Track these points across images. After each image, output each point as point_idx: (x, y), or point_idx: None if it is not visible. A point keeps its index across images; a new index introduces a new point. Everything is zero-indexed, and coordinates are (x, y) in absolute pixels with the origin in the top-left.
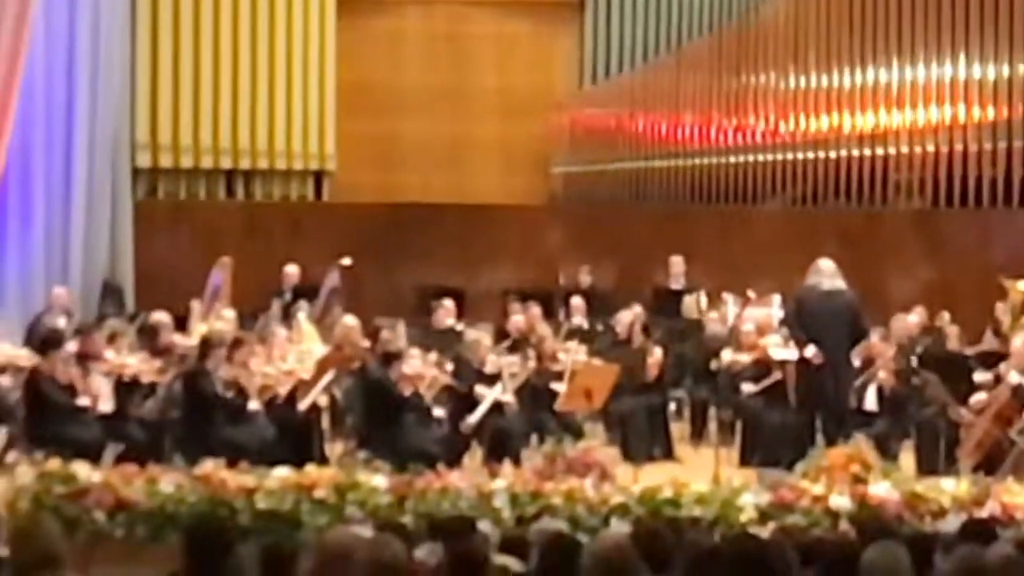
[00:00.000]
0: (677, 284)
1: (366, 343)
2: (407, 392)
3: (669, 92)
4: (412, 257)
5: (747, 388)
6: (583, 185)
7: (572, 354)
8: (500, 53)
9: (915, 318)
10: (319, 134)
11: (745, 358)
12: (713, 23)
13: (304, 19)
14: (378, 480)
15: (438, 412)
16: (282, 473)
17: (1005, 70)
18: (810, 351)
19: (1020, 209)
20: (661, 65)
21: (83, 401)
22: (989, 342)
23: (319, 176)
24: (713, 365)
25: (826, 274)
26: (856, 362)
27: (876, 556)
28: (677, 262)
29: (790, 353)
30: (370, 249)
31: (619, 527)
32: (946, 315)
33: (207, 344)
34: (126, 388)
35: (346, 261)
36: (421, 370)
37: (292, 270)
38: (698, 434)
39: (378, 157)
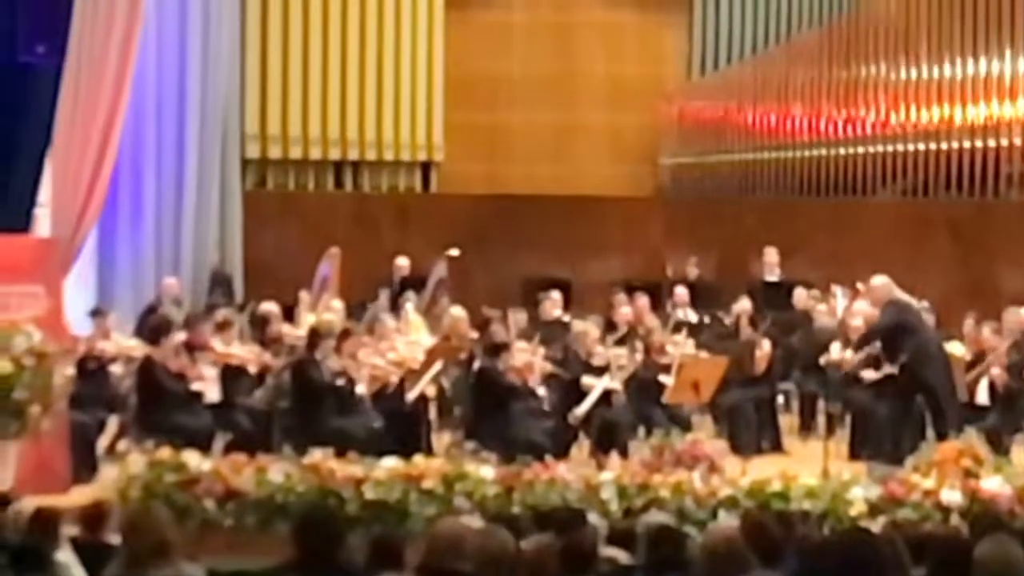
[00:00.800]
0: (772, 275)
1: (474, 334)
2: (515, 383)
3: (778, 84)
4: (519, 248)
5: (868, 375)
6: (691, 177)
7: (680, 347)
8: (607, 43)
9: None
10: (427, 125)
11: (852, 355)
12: (823, 15)
13: (412, 11)
14: (486, 471)
15: (543, 395)
16: (390, 463)
17: None
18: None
19: None
20: (770, 57)
21: (196, 387)
22: None
23: (427, 167)
24: (822, 360)
25: (896, 288)
26: (968, 356)
27: (989, 551)
28: (771, 252)
29: None
30: (477, 240)
31: (728, 520)
32: None
33: (316, 334)
34: (234, 377)
35: (453, 252)
36: (529, 361)
37: (403, 262)
38: (807, 427)
39: (485, 148)
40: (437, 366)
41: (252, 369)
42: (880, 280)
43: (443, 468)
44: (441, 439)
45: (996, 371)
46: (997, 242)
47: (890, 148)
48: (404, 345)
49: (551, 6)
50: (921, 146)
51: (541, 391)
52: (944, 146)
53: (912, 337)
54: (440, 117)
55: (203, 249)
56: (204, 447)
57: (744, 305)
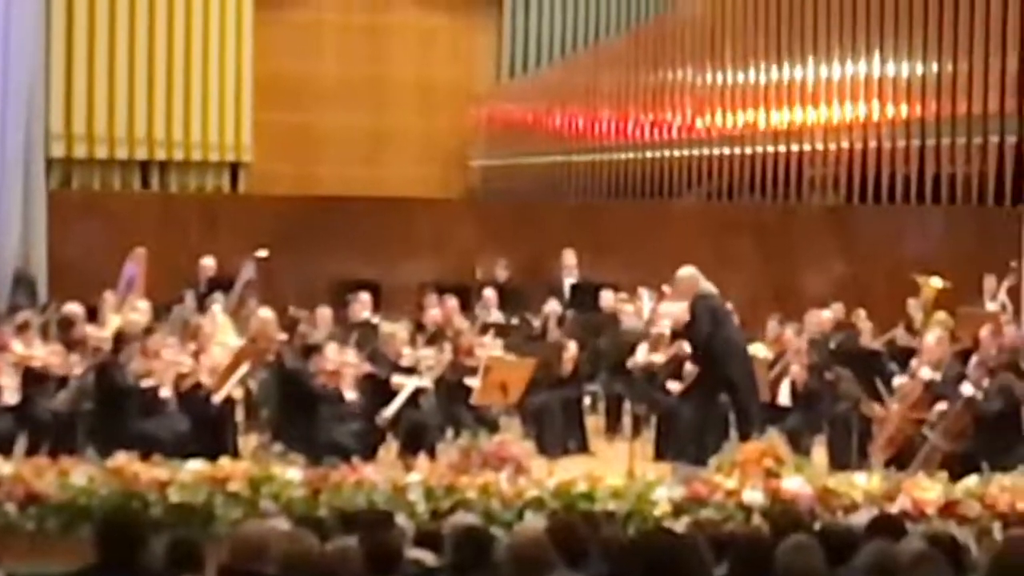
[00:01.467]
0: (571, 277)
1: (282, 335)
2: (324, 385)
3: (587, 88)
4: (328, 249)
5: (673, 386)
6: (500, 179)
7: (488, 348)
8: (418, 46)
9: (829, 313)
10: (235, 125)
11: (659, 357)
12: (631, 19)
13: (221, 9)
14: (292, 473)
15: (351, 397)
16: (195, 466)
17: (919, 68)
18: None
19: (932, 206)
20: (579, 61)
21: None
22: (901, 338)
23: (235, 168)
24: (629, 364)
25: (703, 279)
26: (770, 356)
27: (789, 550)
28: (569, 255)
29: None
30: (286, 241)
31: (534, 521)
32: (862, 312)
33: (121, 337)
34: (35, 380)
35: (262, 253)
36: (339, 362)
37: (209, 262)
38: (613, 428)
39: (295, 149)
40: (244, 368)
41: (55, 371)
42: (686, 271)
43: (249, 470)
44: (248, 441)
45: (797, 371)
46: (799, 245)
47: (695, 152)
48: (211, 347)
49: (362, 7)
50: (726, 150)
51: (350, 393)
52: (748, 150)
53: (719, 331)
54: (249, 117)
55: (6, 249)
56: (5, 450)
57: (553, 307)
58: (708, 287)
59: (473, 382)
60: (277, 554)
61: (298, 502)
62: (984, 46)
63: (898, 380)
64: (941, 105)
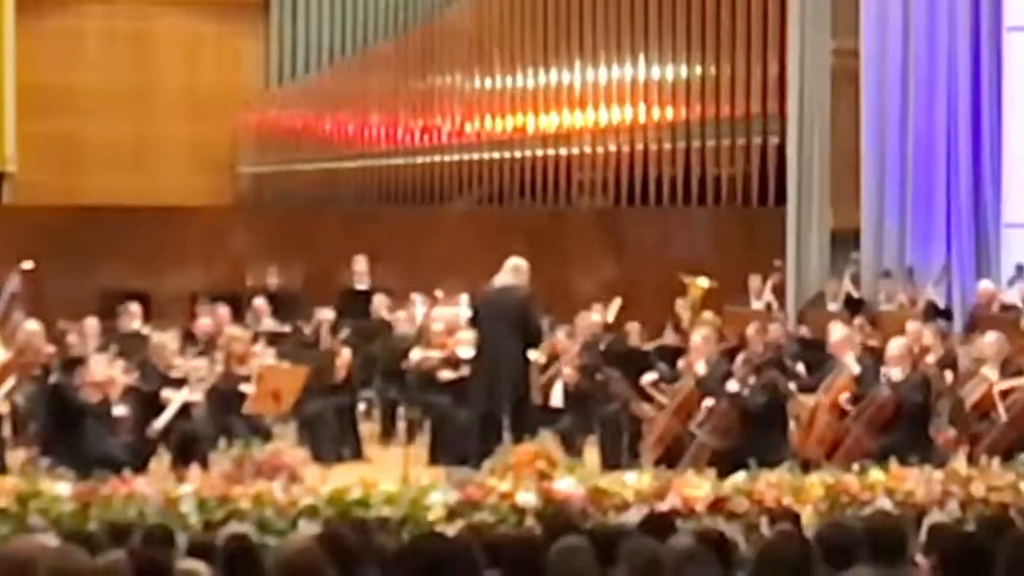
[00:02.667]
0: (362, 284)
1: (50, 348)
2: (92, 398)
3: (356, 93)
4: (96, 260)
5: (445, 375)
6: (271, 186)
7: (260, 357)
8: (185, 53)
9: (598, 316)
10: None
11: (435, 355)
12: (399, 25)
13: None
14: (61, 488)
15: (120, 411)
16: None
17: (683, 71)
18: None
19: (699, 207)
20: (347, 66)
21: None
22: (669, 337)
23: None
24: (404, 364)
25: (504, 271)
26: (542, 359)
27: (560, 552)
28: (360, 261)
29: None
30: (53, 252)
31: (308, 529)
32: (615, 305)
33: None
34: None
35: (27, 265)
36: (106, 375)
37: None
38: (388, 434)
39: (60, 158)
40: (10, 382)
41: None
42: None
43: (17, 486)
44: (15, 456)
45: (568, 373)
46: (570, 248)
47: (465, 157)
48: None
49: (127, 15)
50: (496, 154)
51: (120, 407)
52: (518, 154)
53: (493, 328)
54: (12, 127)
55: None
56: None
57: (325, 314)
58: (501, 279)
59: (247, 391)
60: (44, 571)
61: (67, 517)
62: (746, 50)
63: (648, 377)
64: (705, 108)
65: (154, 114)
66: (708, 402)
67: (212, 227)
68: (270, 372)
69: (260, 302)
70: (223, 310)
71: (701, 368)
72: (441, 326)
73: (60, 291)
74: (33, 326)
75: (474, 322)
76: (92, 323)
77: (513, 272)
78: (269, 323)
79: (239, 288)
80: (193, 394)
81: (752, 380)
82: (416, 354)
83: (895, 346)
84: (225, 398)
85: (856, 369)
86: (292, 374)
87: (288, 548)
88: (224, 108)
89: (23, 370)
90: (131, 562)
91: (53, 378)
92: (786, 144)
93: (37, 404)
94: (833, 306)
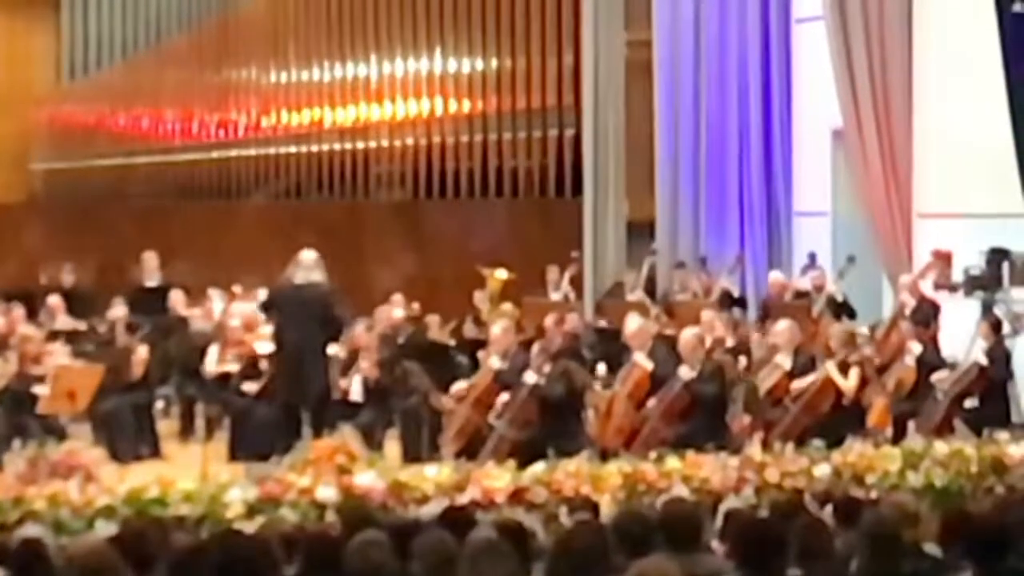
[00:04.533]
0: (152, 280)
1: None
2: None
3: (150, 88)
4: None
5: (248, 387)
6: (65, 182)
7: (55, 356)
8: None
9: (398, 309)
10: None
11: (231, 359)
12: (192, 18)
13: None
14: None
15: None
16: None
17: (479, 64)
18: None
19: (496, 199)
20: (141, 60)
21: None
22: (470, 330)
23: None
24: (205, 369)
25: (303, 266)
26: (342, 353)
27: (357, 546)
28: (150, 258)
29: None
30: None
31: (105, 529)
32: (416, 306)
33: None
34: None
35: None
36: None
37: None
38: (186, 431)
39: None
40: None
41: None
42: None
43: None
44: None
45: (367, 367)
46: (367, 242)
47: (262, 151)
48: None
49: None
50: (292, 148)
51: None
52: (315, 148)
53: (290, 323)
54: None
55: None
56: None
57: (119, 312)
58: (304, 274)
59: (41, 390)
60: None
61: None
62: (541, 42)
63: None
64: (502, 100)
65: None
66: (507, 394)
67: (4, 224)
68: (65, 371)
69: (54, 300)
70: (17, 309)
71: (498, 360)
72: (238, 322)
73: None
74: None
75: (269, 316)
76: None
77: (313, 266)
78: (64, 321)
79: (33, 286)
80: None
81: (548, 370)
82: (214, 353)
83: (687, 336)
84: (18, 398)
85: (649, 366)
86: (87, 373)
87: (79, 548)
88: (15, 104)
89: None
90: None
91: None
92: (582, 136)
93: None
94: (632, 296)
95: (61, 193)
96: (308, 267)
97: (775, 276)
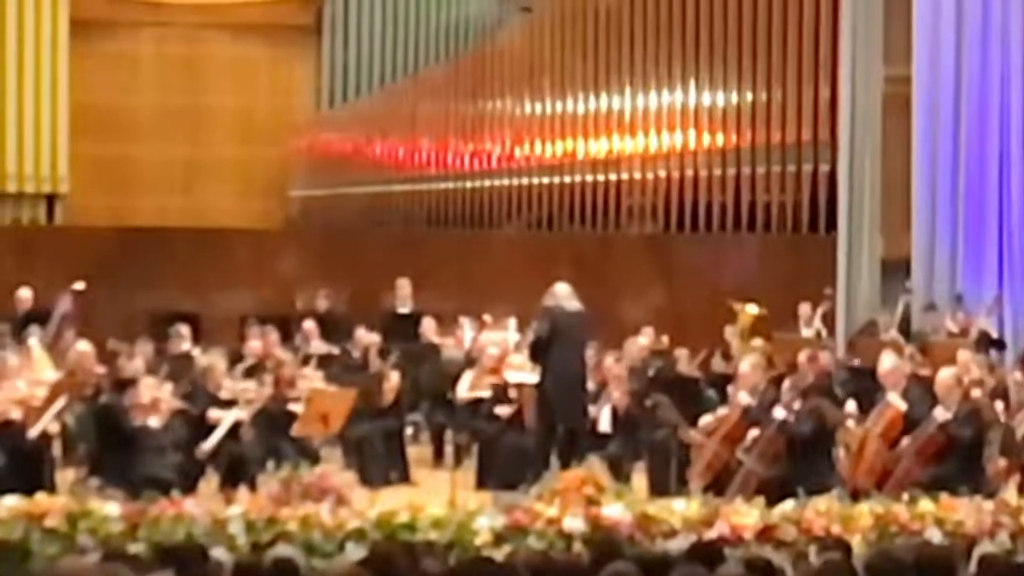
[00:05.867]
0: (404, 307)
1: (100, 369)
2: (141, 419)
3: (406, 117)
4: (146, 281)
5: (501, 411)
6: (320, 209)
7: (309, 379)
8: (237, 76)
9: (646, 340)
10: (51, 156)
11: (484, 387)
12: (450, 49)
13: (36, 39)
14: (110, 508)
15: (170, 430)
16: (11, 502)
17: (734, 97)
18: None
19: (748, 233)
20: (398, 90)
21: None
22: (718, 364)
23: (51, 199)
24: (456, 396)
25: (564, 297)
26: (591, 385)
27: None
28: (403, 285)
29: (528, 376)
30: (103, 273)
31: (355, 552)
32: (664, 339)
33: None
34: None
35: (79, 286)
36: (155, 396)
37: (25, 294)
38: (435, 458)
39: (112, 180)
40: (61, 402)
41: None
42: (559, 287)
43: (67, 506)
44: (65, 476)
45: (617, 398)
46: (617, 273)
47: (515, 181)
48: (27, 381)
49: (179, 39)
50: (545, 179)
51: (167, 427)
52: (568, 179)
53: (556, 346)
54: (65, 148)
55: None
56: None
57: (371, 337)
58: (568, 304)
59: (295, 412)
60: None
61: (116, 537)
62: (797, 76)
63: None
64: (756, 134)
65: (206, 137)
66: (756, 430)
67: (262, 250)
68: (319, 395)
69: (309, 324)
70: (272, 333)
71: (747, 396)
72: (496, 351)
73: (110, 312)
74: (84, 347)
75: (545, 342)
76: (145, 345)
77: (571, 297)
78: (318, 345)
79: (288, 310)
80: (241, 414)
81: (798, 406)
82: (467, 380)
83: (944, 377)
84: (274, 420)
85: (903, 406)
86: (341, 397)
87: (335, 572)
88: (275, 132)
89: (74, 390)
90: None
91: (103, 399)
92: (837, 171)
93: (87, 425)
94: (886, 335)
95: (317, 220)
96: (570, 296)
97: None
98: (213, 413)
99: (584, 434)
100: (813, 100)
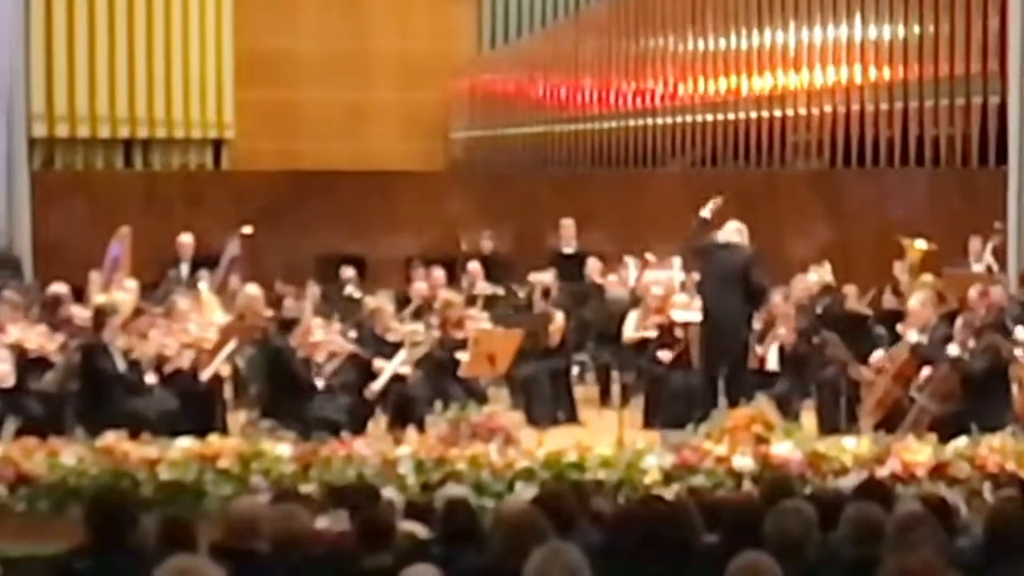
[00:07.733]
0: (569, 247)
1: (269, 312)
2: (311, 359)
3: (568, 56)
4: (312, 225)
5: (663, 356)
6: (483, 150)
7: (475, 320)
8: (398, 19)
9: (815, 277)
10: (217, 102)
11: (650, 327)
12: None
13: None
14: (282, 449)
15: (339, 371)
16: (185, 444)
17: (900, 31)
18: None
19: (916, 168)
20: (560, 29)
21: None
22: (888, 301)
23: (217, 145)
24: (622, 336)
25: (727, 233)
26: (759, 322)
27: (779, 515)
28: (568, 225)
29: (693, 315)
30: (269, 217)
31: (524, 492)
32: (828, 270)
33: (100, 314)
34: (28, 362)
35: (246, 230)
36: (324, 338)
37: (186, 239)
38: (602, 397)
39: (276, 125)
40: (231, 345)
41: (51, 351)
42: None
43: (239, 447)
44: (236, 418)
45: (784, 336)
46: (783, 211)
47: (678, 119)
48: (198, 324)
49: None
50: (709, 117)
51: (338, 369)
52: (731, 116)
53: (710, 283)
54: (230, 94)
55: None
56: None
57: (543, 278)
58: (726, 237)
59: (462, 354)
60: (268, 530)
61: (287, 478)
62: (965, 7)
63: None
64: (924, 67)
65: (367, 81)
66: (928, 367)
67: (425, 192)
68: (485, 336)
69: (474, 266)
70: (438, 273)
71: (918, 333)
72: (661, 290)
73: (277, 255)
74: (253, 290)
75: (690, 268)
76: (314, 288)
77: (736, 232)
78: (483, 286)
79: (453, 252)
80: (408, 361)
81: (972, 344)
82: (632, 320)
83: None
84: (441, 361)
85: None
86: (507, 338)
87: (506, 509)
88: (437, 75)
89: (243, 334)
90: (353, 523)
91: (273, 341)
92: (1007, 103)
93: (258, 367)
94: None
95: (480, 161)
96: (731, 231)
97: None
98: (377, 363)
99: (745, 372)
100: (982, 31)
